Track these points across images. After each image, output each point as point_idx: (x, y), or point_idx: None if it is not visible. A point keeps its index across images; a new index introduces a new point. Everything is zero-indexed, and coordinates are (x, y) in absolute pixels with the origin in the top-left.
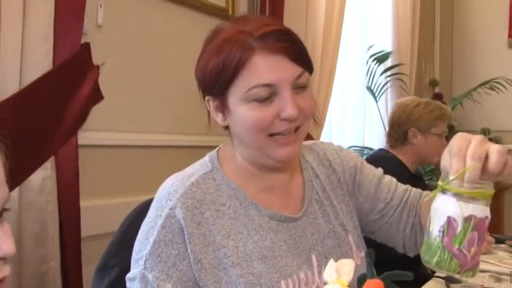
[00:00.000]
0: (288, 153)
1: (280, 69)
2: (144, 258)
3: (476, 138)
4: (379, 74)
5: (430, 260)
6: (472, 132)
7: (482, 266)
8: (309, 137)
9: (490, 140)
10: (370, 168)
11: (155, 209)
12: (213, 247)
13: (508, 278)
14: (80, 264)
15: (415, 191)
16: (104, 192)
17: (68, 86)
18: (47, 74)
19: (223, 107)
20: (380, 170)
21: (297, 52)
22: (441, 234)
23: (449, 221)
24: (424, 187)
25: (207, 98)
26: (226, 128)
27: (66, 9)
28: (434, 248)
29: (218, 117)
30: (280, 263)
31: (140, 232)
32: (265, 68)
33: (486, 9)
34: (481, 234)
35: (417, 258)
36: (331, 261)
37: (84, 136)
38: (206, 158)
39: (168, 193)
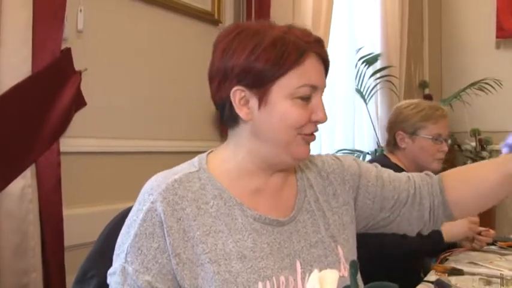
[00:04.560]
0: (308, 152)
1: (322, 76)
2: (125, 252)
3: None
4: (369, 76)
5: None
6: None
7: (472, 269)
8: None
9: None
10: (368, 168)
11: (138, 204)
12: (191, 242)
13: (499, 280)
14: (63, 275)
15: (418, 176)
16: (88, 200)
17: (49, 93)
18: (25, 80)
19: (261, 100)
20: (376, 168)
21: (329, 63)
22: None
23: None
24: None
25: (235, 88)
26: (228, 124)
27: (45, 13)
28: None
29: (242, 110)
30: (260, 264)
31: (123, 227)
32: (314, 71)
33: (474, 11)
34: None
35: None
36: (315, 271)
37: (67, 143)
38: (195, 159)
39: (151, 188)
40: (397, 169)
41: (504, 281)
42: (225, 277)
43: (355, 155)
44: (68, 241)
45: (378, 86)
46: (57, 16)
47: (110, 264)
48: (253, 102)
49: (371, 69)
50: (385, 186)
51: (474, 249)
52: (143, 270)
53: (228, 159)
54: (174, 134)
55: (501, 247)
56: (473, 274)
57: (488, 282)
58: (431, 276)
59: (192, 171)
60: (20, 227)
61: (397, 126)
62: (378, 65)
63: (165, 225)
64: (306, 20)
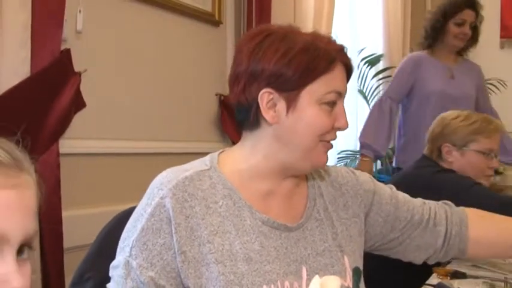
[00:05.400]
0: (326, 160)
1: (345, 82)
2: (130, 245)
3: None
4: (371, 77)
5: None
6: None
7: (475, 272)
8: None
9: None
10: (383, 187)
11: (146, 198)
12: (198, 241)
13: (502, 284)
14: (62, 276)
15: (434, 203)
16: (87, 202)
17: (48, 94)
18: (24, 81)
19: (290, 104)
20: (391, 188)
21: (351, 73)
22: None
23: None
24: None
25: (264, 90)
26: (248, 126)
27: (44, 14)
28: None
29: (268, 113)
30: (265, 267)
31: (129, 220)
32: (341, 78)
33: None
34: None
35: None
36: (316, 277)
37: (66, 144)
38: (207, 157)
39: (161, 183)
40: (458, 174)
41: (508, 285)
42: (230, 278)
43: (357, 156)
44: (67, 243)
45: (380, 87)
46: (56, 17)
47: (107, 266)
48: (281, 105)
49: (373, 70)
50: (399, 207)
51: None
52: (147, 265)
53: (242, 160)
54: (174, 135)
55: None
56: (476, 277)
57: (492, 286)
58: (433, 279)
59: (203, 170)
60: None
61: (443, 138)
62: (380, 65)
63: (173, 222)
64: (308, 21)
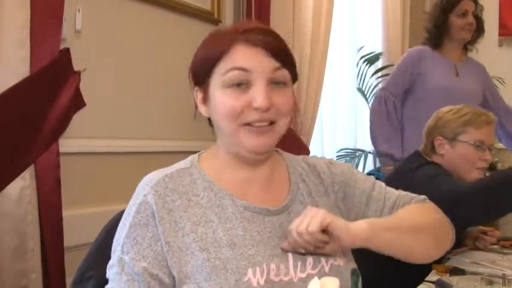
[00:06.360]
0: (258, 144)
1: (258, 60)
2: (121, 243)
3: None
4: (370, 75)
5: None
6: None
7: (474, 269)
8: (299, 141)
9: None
10: (360, 182)
11: (133, 200)
12: (182, 232)
13: (500, 280)
14: (63, 275)
15: (408, 201)
16: (88, 201)
17: (48, 93)
18: (24, 80)
19: (205, 97)
20: (371, 181)
21: (275, 47)
22: None
23: None
24: None
25: (195, 89)
26: (209, 121)
27: (43, 14)
28: None
29: (202, 110)
30: (250, 251)
31: (120, 223)
32: (243, 55)
33: None
34: None
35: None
36: (315, 278)
37: (66, 144)
38: (189, 157)
39: (145, 184)
40: (437, 166)
41: (506, 281)
42: (215, 264)
43: (357, 154)
44: (67, 242)
45: (380, 85)
46: (55, 16)
47: (106, 266)
48: (205, 99)
49: (372, 68)
50: (369, 205)
51: (477, 248)
52: (139, 258)
53: (216, 155)
54: (173, 134)
55: (503, 246)
56: (475, 274)
57: (490, 282)
58: (433, 276)
59: (184, 168)
60: (19, 228)
61: (436, 131)
62: (379, 63)
63: (156, 216)
64: (307, 19)
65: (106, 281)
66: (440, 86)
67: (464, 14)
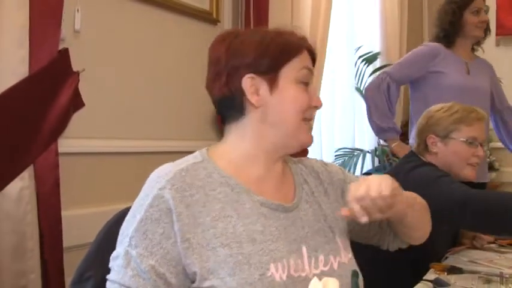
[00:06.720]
0: (309, 139)
1: (312, 66)
2: (129, 236)
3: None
4: (368, 75)
5: None
6: None
7: (471, 267)
8: None
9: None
10: (352, 178)
11: (143, 192)
12: (202, 228)
13: (498, 279)
14: (62, 276)
15: None
16: (87, 201)
17: (46, 93)
18: (23, 80)
19: (272, 86)
20: (358, 177)
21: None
22: None
23: None
24: None
25: (247, 76)
26: (232, 118)
27: (42, 14)
28: None
29: (253, 97)
30: (270, 246)
31: (128, 213)
32: (309, 60)
33: None
34: None
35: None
36: (315, 278)
37: (65, 144)
38: (195, 153)
39: (158, 176)
40: (434, 168)
41: (504, 280)
42: (238, 259)
43: (355, 153)
44: (66, 242)
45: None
46: (54, 16)
47: (107, 265)
48: (264, 88)
49: (371, 68)
50: None
51: (475, 247)
52: (147, 254)
53: (230, 150)
54: (172, 134)
55: (501, 245)
56: (472, 272)
57: (488, 281)
58: (431, 274)
59: (196, 162)
60: (18, 228)
61: (428, 130)
62: (377, 63)
63: (174, 211)
64: (305, 19)
65: (105, 281)
66: (455, 84)
67: (478, 12)
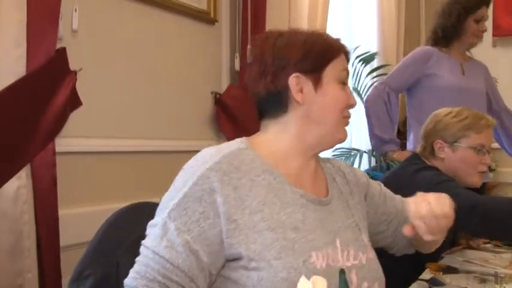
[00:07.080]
0: (346, 136)
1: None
2: (170, 208)
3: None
4: (365, 75)
5: None
6: None
7: (467, 267)
8: None
9: None
10: (374, 183)
11: (191, 167)
12: (249, 210)
13: (493, 278)
14: (59, 274)
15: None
16: (84, 200)
17: (44, 92)
18: (20, 80)
19: (317, 84)
20: (380, 185)
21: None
22: None
23: None
24: None
25: (294, 74)
26: (275, 114)
27: (40, 13)
28: None
29: (298, 95)
30: (310, 236)
31: (172, 186)
32: (346, 62)
33: None
34: None
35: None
36: (303, 277)
37: (62, 143)
38: (237, 140)
39: (207, 157)
40: (438, 172)
41: (498, 279)
42: (283, 244)
43: (352, 153)
44: (63, 241)
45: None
46: (51, 16)
47: (106, 263)
48: (308, 87)
49: (368, 68)
50: (386, 203)
51: (470, 247)
52: (185, 229)
53: (271, 143)
54: (169, 134)
55: (496, 245)
56: (467, 272)
57: (483, 281)
58: (426, 274)
59: (242, 148)
60: (15, 227)
61: (435, 135)
62: (374, 63)
63: (220, 194)
64: (302, 19)
65: (104, 279)
66: (450, 85)
67: (480, 20)
